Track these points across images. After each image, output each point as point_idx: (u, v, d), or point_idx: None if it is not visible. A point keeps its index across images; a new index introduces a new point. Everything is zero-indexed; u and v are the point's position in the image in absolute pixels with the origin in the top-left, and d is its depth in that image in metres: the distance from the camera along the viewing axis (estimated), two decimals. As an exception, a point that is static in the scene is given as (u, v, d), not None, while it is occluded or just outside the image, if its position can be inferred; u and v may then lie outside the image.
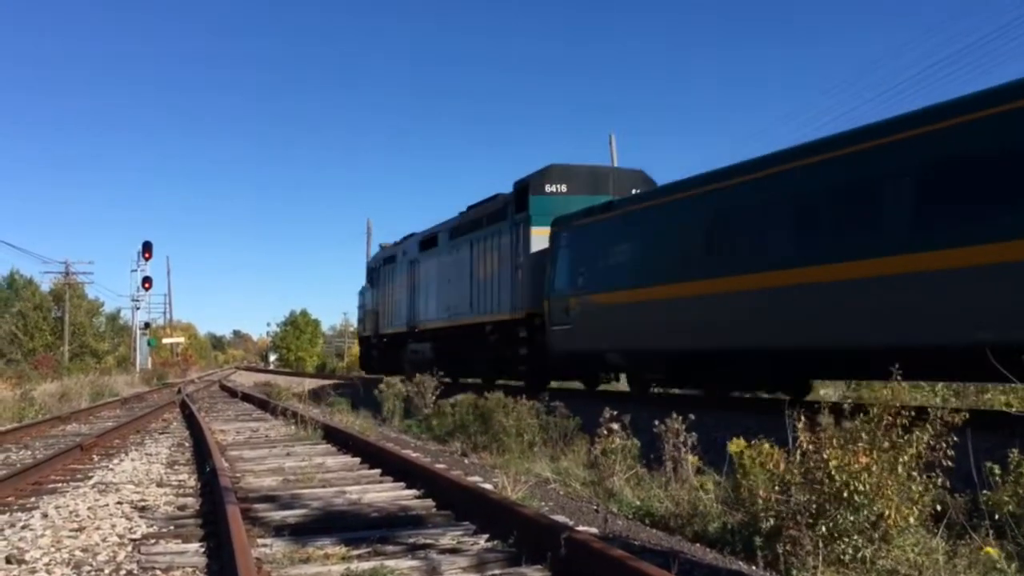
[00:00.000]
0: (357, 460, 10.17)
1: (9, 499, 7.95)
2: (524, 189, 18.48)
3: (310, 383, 29.82)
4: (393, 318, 28.47)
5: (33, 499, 7.94)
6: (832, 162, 10.66)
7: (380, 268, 30.73)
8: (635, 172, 19.18)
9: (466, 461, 10.55)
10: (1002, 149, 8.67)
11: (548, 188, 18.21)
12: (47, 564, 5.35)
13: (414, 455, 10.08)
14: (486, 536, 5.82)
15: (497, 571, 5.08)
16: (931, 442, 4.94)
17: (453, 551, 5.45)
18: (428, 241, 25.12)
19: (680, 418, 7.93)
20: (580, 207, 16.96)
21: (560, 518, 6.36)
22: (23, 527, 6.45)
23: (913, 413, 4.99)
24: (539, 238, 17.76)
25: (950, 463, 4.91)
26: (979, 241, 8.63)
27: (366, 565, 5.01)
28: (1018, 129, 8.52)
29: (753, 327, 11.54)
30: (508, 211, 19.25)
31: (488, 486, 7.68)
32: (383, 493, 7.79)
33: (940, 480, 4.96)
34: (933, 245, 9.09)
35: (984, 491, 5.58)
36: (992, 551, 4.32)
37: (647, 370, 15.51)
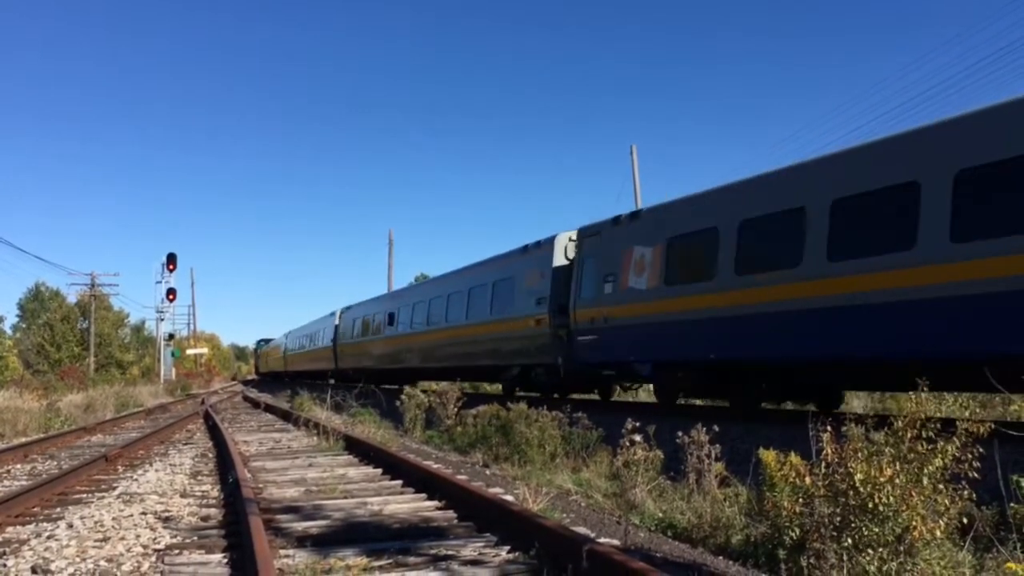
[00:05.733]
0: (379, 471, 10.20)
1: (35, 509, 8.05)
2: (260, 343, 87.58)
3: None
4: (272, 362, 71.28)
5: (58, 509, 8.03)
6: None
7: (260, 347, 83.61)
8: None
9: (487, 472, 10.54)
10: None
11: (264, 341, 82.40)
12: (72, 574, 5.41)
13: (435, 466, 10.09)
14: (508, 548, 5.81)
15: (519, 583, 5.07)
16: (957, 454, 4.87)
17: (475, 563, 5.45)
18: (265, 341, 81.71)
19: (704, 429, 7.89)
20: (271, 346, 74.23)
21: (582, 530, 6.35)
22: (48, 537, 6.52)
23: (939, 425, 4.92)
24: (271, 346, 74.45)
25: (976, 475, 4.84)
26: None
27: (388, 576, 5.02)
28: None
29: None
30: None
31: (509, 497, 7.67)
32: (405, 504, 7.81)
33: (967, 493, 4.89)
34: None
35: (1012, 504, 5.50)
36: (1016, 567, 4.24)
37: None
